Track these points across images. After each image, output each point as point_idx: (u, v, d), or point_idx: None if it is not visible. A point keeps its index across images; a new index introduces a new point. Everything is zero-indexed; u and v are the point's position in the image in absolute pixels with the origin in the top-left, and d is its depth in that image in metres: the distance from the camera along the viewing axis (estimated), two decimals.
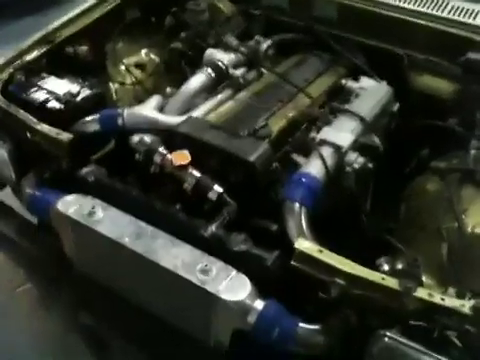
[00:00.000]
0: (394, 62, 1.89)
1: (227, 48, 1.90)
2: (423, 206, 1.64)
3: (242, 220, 1.44)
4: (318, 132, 1.55)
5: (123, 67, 2.10)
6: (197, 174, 1.47)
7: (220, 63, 1.80)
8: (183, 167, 1.47)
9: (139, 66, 2.16)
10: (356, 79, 1.84)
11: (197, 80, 1.76)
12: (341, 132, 1.52)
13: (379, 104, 1.70)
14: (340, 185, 1.50)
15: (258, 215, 1.46)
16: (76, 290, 1.75)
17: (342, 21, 1.97)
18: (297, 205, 1.36)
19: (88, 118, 1.67)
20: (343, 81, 1.84)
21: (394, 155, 1.71)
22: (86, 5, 2.08)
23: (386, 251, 1.48)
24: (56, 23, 1.99)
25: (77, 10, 2.05)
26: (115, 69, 2.09)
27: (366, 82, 1.81)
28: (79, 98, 1.74)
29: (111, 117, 1.65)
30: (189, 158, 1.48)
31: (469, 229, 1.41)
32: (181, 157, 1.49)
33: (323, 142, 1.50)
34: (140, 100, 1.92)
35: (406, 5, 1.88)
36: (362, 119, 1.58)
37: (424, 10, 1.85)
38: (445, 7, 1.86)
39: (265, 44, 1.93)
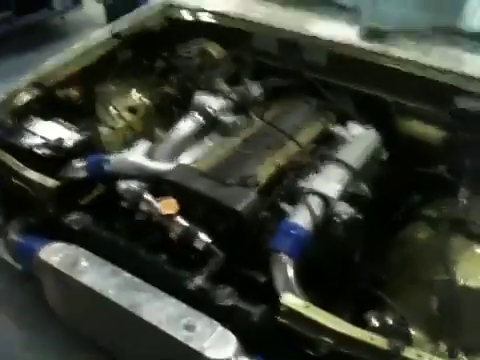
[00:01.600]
0: (382, 108, 1.90)
1: (217, 93, 1.91)
2: (413, 255, 1.62)
3: (230, 270, 1.42)
4: (306, 181, 1.54)
5: (114, 110, 2.11)
6: (184, 223, 1.45)
7: (209, 109, 1.80)
8: (170, 216, 1.46)
9: (130, 109, 2.17)
10: (344, 125, 1.85)
11: (186, 126, 1.76)
12: (329, 182, 1.52)
13: (367, 151, 1.71)
14: (329, 235, 1.48)
15: (246, 265, 1.44)
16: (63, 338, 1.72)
17: (331, 67, 1.99)
18: (284, 257, 1.34)
19: (75, 164, 1.66)
20: (331, 128, 1.85)
21: (383, 202, 1.70)
22: (77, 48, 2.10)
23: (376, 301, 1.46)
24: (46, 67, 2.00)
25: (68, 54, 2.07)
26: (105, 112, 2.09)
27: (354, 129, 1.82)
28: (68, 143, 1.73)
29: (98, 163, 1.64)
30: (176, 207, 1.46)
31: (460, 282, 1.40)
32: (168, 206, 1.47)
33: (311, 192, 1.49)
34: (130, 143, 1.93)
35: (394, 53, 1.91)
36: (350, 168, 1.58)
37: (413, 57, 1.87)
38: (434, 54, 1.88)
39: (254, 89, 1.94)
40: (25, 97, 1.88)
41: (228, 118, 1.83)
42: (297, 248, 1.36)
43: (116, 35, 2.18)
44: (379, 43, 1.94)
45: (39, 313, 1.72)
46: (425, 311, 1.39)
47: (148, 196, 1.51)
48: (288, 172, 1.63)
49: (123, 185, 1.57)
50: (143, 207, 1.49)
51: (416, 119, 1.88)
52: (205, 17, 2.25)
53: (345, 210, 1.46)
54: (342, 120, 1.91)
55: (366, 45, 1.94)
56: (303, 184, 1.52)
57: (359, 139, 1.75)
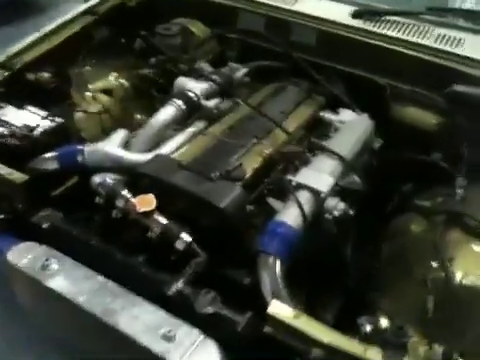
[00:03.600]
0: (376, 92, 1.80)
1: (199, 76, 1.78)
2: (406, 248, 1.54)
3: (213, 272, 1.32)
4: (296, 173, 1.43)
5: (89, 93, 1.97)
6: (163, 221, 1.34)
7: (191, 93, 1.68)
8: (148, 213, 1.35)
9: (106, 92, 2.03)
10: (335, 110, 1.74)
11: (166, 112, 1.63)
12: (320, 174, 1.41)
13: (360, 140, 1.60)
14: (319, 232, 1.39)
15: (231, 266, 1.34)
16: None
17: (321, 48, 1.87)
18: (272, 259, 1.24)
19: (46, 155, 1.54)
20: (321, 113, 1.74)
21: (375, 192, 1.61)
22: (49, 27, 1.95)
23: (369, 302, 1.38)
24: (16, 47, 1.85)
25: (39, 32, 1.92)
26: (80, 96, 1.95)
27: (346, 114, 1.71)
28: (38, 131, 1.60)
29: (71, 154, 1.51)
30: (154, 203, 1.35)
31: (457, 280, 1.32)
32: (145, 202, 1.36)
33: (300, 186, 1.38)
34: (107, 129, 1.81)
35: (389, 32, 1.79)
36: (342, 159, 1.47)
37: (408, 38, 1.76)
38: (430, 35, 1.76)
39: (240, 72, 1.82)
40: None
41: (211, 103, 1.71)
42: (285, 249, 1.26)
43: (90, 11, 2.04)
44: (372, 23, 1.82)
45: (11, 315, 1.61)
46: (419, 310, 1.31)
47: (124, 191, 1.39)
48: (276, 163, 1.52)
49: (97, 179, 1.45)
50: (119, 203, 1.38)
51: (411, 103, 1.78)
52: None
53: (337, 206, 1.36)
54: (333, 104, 1.80)
55: (358, 24, 1.82)
56: (292, 177, 1.41)
57: (351, 126, 1.64)
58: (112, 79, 2.06)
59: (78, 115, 1.86)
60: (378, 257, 1.57)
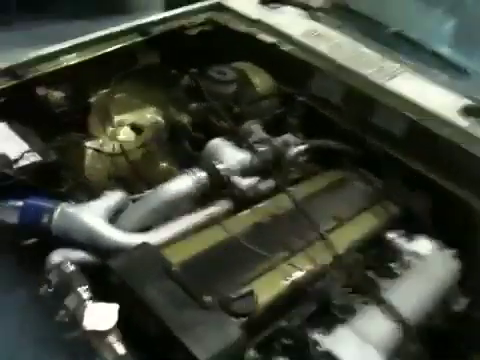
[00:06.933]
0: (467, 217, 1.30)
1: (242, 141, 1.37)
2: None
3: None
4: (325, 331, 0.96)
5: (110, 125, 1.60)
6: (120, 351, 0.92)
7: (220, 165, 1.26)
8: (100, 334, 0.92)
9: (136, 128, 1.65)
10: (409, 235, 1.26)
11: (180, 183, 1.22)
12: (364, 346, 0.92)
13: (437, 293, 1.10)
14: None
15: None
16: None
17: (411, 143, 1.40)
18: None
19: (10, 202, 1.15)
20: (390, 235, 1.26)
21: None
22: (84, 38, 1.60)
23: None
24: (33, 54, 1.51)
25: (70, 42, 1.57)
26: (101, 127, 1.58)
27: (423, 245, 1.22)
28: (16, 167, 1.23)
29: (35, 211, 1.12)
30: (113, 321, 0.93)
31: None
32: (103, 314, 0.94)
33: (327, 356, 0.91)
34: (118, 176, 1.43)
35: None
36: (404, 322, 0.98)
37: None
38: None
39: (296, 148, 1.39)
40: None
41: (245, 182, 1.28)
42: None
43: (140, 29, 1.68)
44: None
45: None
46: None
47: (82, 288, 0.98)
48: (304, 298, 1.06)
49: (56, 257, 1.05)
50: (69, 304, 0.97)
51: None
52: (259, 33, 1.69)
53: None
54: (406, 222, 1.32)
55: (469, 125, 1.34)
56: (319, 338, 0.94)
57: (428, 269, 1.15)
58: (147, 114, 1.69)
59: (88, 151, 1.49)
60: None
